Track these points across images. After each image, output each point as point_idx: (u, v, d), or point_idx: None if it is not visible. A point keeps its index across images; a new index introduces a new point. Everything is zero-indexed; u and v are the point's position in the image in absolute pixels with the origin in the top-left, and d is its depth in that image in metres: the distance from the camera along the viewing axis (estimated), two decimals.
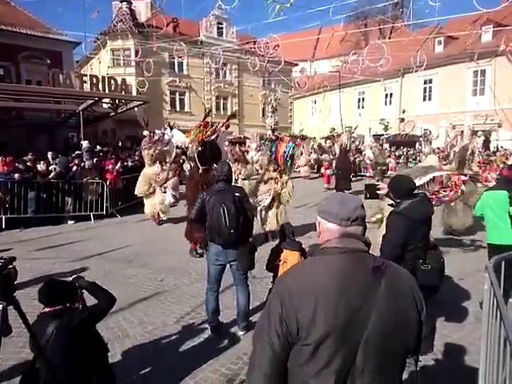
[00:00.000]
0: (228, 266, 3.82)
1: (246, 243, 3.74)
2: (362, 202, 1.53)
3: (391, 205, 3.39)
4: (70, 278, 2.44)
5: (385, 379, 1.34)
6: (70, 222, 9.29)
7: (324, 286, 1.32)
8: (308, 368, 1.31)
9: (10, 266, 2.00)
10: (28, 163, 9.51)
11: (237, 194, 3.68)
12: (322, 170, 17.17)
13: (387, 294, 1.32)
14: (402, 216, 3.09)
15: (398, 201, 3.25)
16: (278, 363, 1.35)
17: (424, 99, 28.04)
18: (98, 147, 14.47)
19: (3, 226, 8.41)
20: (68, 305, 2.29)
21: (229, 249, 3.69)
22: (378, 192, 3.66)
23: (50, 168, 9.32)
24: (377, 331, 1.29)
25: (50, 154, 10.32)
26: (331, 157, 17.97)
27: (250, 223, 3.93)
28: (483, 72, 24.04)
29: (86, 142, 12.35)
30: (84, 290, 2.42)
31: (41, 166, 9.29)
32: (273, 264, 4.28)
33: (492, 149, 20.84)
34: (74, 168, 9.57)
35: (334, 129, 28.03)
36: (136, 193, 9.17)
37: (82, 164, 9.81)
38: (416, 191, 3.40)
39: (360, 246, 1.43)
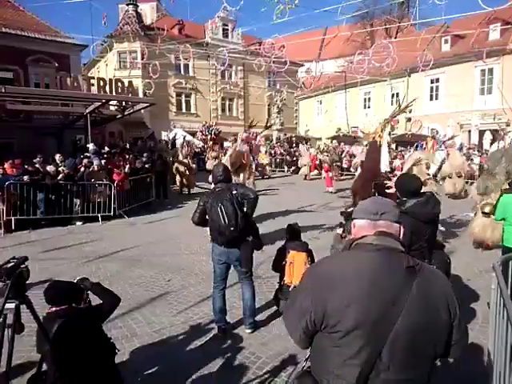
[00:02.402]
0: (232, 265, 3.86)
1: (246, 241, 3.75)
2: (393, 203, 1.61)
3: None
4: (75, 279, 2.48)
5: (410, 378, 1.37)
6: (78, 223, 9.39)
7: (357, 281, 1.37)
8: (334, 357, 1.38)
9: (23, 266, 2.05)
10: (37, 165, 9.63)
11: (234, 192, 3.69)
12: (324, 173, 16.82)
13: (418, 296, 1.35)
14: (407, 215, 3.06)
15: (404, 199, 3.27)
16: (306, 341, 1.48)
17: (431, 98, 27.82)
18: (106, 148, 14.60)
19: (13, 228, 8.52)
20: (73, 305, 2.32)
21: (231, 248, 3.72)
22: (387, 191, 3.67)
23: (58, 170, 9.43)
24: (405, 330, 1.32)
25: (58, 156, 10.44)
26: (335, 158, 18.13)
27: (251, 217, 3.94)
28: (491, 71, 23.81)
29: (92, 144, 12.46)
30: (89, 291, 2.46)
31: (50, 168, 9.39)
32: (279, 264, 4.31)
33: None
34: (82, 169, 9.68)
35: (340, 129, 27.93)
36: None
37: (91, 166, 9.92)
38: (423, 190, 3.40)
39: (396, 246, 1.46)
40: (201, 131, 20.78)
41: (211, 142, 13.99)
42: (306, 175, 19.09)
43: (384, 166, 6.19)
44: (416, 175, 3.88)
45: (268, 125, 9.39)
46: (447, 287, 1.47)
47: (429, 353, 1.40)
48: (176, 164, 14.29)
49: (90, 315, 2.32)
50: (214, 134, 15.03)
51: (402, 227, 1.56)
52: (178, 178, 14.45)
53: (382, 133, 6.34)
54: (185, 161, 14.27)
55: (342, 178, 18.37)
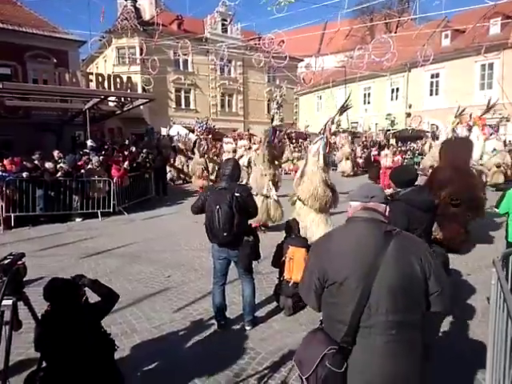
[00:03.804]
0: (232, 261, 3.84)
1: (243, 243, 3.66)
2: (381, 188, 2.03)
3: None
4: (71, 276, 2.45)
5: (399, 320, 1.65)
6: (77, 220, 9.38)
7: (347, 245, 1.78)
8: (335, 307, 1.74)
9: (20, 262, 2.04)
10: (36, 162, 9.60)
11: (237, 194, 3.54)
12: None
13: (395, 251, 1.69)
14: (400, 202, 3.28)
15: (399, 190, 3.47)
16: (318, 297, 1.83)
17: (431, 94, 27.76)
18: (108, 144, 14.61)
19: (12, 224, 8.51)
20: (71, 302, 2.31)
21: (227, 248, 3.69)
22: None
23: (57, 166, 9.40)
24: (385, 279, 1.65)
25: (56, 153, 10.40)
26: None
27: (249, 220, 3.84)
28: (491, 65, 23.73)
29: (90, 140, 12.42)
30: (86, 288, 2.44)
31: (48, 165, 9.37)
32: (279, 260, 4.31)
33: None
34: (83, 166, 9.67)
35: (340, 124, 27.86)
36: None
37: (89, 162, 9.89)
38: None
39: (377, 217, 1.82)
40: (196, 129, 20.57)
41: (206, 138, 13.84)
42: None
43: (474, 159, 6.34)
44: (410, 167, 3.98)
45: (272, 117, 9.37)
46: (421, 249, 1.79)
47: (411, 300, 1.68)
48: (191, 165, 13.73)
49: (88, 312, 2.31)
50: (208, 129, 14.94)
51: (387, 207, 1.92)
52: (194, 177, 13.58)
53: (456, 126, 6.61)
54: (201, 160, 12.92)
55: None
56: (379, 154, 16.37)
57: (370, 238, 1.75)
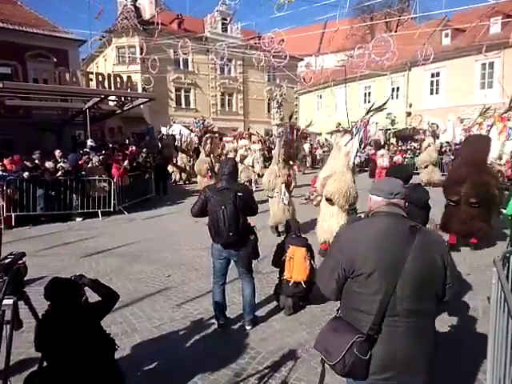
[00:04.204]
0: (232, 261, 3.84)
1: (246, 243, 3.68)
2: (401, 184, 2.09)
3: None
4: (72, 276, 2.44)
5: (420, 309, 1.80)
6: (78, 219, 9.38)
7: (375, 237, 1.86)
8: (360, 297, 1.82)
9: (20, 262, 2.03)
10: (36, 161, 9.60)
11: (239, 194, 3.56)
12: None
13: (420, 245, 1.80)
14: None
15: None
16: (339, 287, 1.90)
17: (431, 93, 27.71)
18: (110, 144, 14.61)
19: (13, 224, 8.51)
20: (72, 302, 2.31)
21: (229, 249, 3.68)
22: None
23: (57, 166, 9.40)
24: (410, 271, 1.76)
25: (57, 152, 10.40)
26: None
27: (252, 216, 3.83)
28: (491, 64, 23.69)
29: (90, 140, 12.42)
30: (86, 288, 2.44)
31: (49, 164, 9.37)
32: (279, 260, 4.30)
33: None
34: (83, 165, 9.67)
35: (340, 123, 27.83)
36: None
37: (90, 161, 9.89)
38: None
39: (401, 212, 1.94)
40: (194, 129, 20.40)
41: (212, 137, 13.73)
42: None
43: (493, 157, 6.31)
44: (406, 165, 4.03)
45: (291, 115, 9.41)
46: (441, 242, 2.01)
47: (431, 290, 1.84)
48: (196, 165, 13.16)
49: (88, 312, 2.31)
50: (206, 128, 14.87)
51: (405, 202, 2.06)
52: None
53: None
54: (207, 159, 12.46)
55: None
56: (375, 154, 15.97)
57: (396, 231, 1.86)
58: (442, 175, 13.29)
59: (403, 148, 21.41)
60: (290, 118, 8.97)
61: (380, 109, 6.02)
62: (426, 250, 1.83)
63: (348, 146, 5.79)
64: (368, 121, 5.95)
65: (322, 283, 2.00)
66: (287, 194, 7.41)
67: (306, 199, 10.12)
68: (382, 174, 11.82)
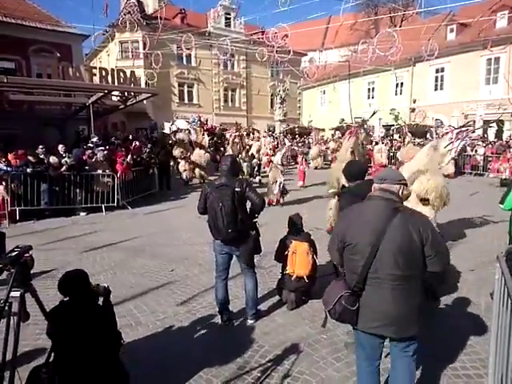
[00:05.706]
0: (234, 256, 3.85)
1: (246, 239, 3.69)
2: (396, 172, 2.54)
3: None
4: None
5: (404, 274, 2.17)
6: (82, 214, 9.43)
7: (363, 216, 2.34)
8: (352, 262, 2.31)
9: (27, 255, 2.06)
10: (40, 156, 9.64)
11: (237, 189, 3.55)
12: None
13: (398, 223, 2.19)
14: (347, 194, 3.60)
15: (349, 184, 3.70)
16: (340, 254, 2.42)
17: (436, 88, 27.50)
18: (113, 138, 14.56)
19: (17, 218, 8.57)
20: (87, 293, 2.34)
21: (230, 245, 3.70)
22: None
23: (61, 161, 9.44)
24: (389, 243, 2.17)
25: (61, 147, 10.43)
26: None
27: (251, 216, 3.77)
28: (497, 60, 23.45)
29: (94, 136, 12.42)
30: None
31: (53, 159, 9.40)
32: (282, 254, 4.32)
33: (505, 138, 20.45)
34: (87, 160, 9.70)
35: (344, 119, 27.71)
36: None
37: (94, 157, 9.92)
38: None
39: (390, 197, 2.31)
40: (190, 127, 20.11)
41: (241, 136, 13.52)
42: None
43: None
44: (359, 161, 4.05)
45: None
46: (420, 221, 2.26)
47: (412, 260, 2.17)
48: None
49: (102, 309, 2.34)
50: (201, 124, 14.77)
51: (402, 186, 2.39)
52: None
53: None
54: (202, 152, 12.70)
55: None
56: (372, 150, 15.24)
57: (380, 211, 2.26)
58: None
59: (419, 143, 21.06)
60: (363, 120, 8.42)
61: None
62: (404, 225, 2.18)
63: (447, 149, 5.71)
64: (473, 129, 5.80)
65: (329, 250, 2.53)
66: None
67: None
68: (378, 171, 11.51)
